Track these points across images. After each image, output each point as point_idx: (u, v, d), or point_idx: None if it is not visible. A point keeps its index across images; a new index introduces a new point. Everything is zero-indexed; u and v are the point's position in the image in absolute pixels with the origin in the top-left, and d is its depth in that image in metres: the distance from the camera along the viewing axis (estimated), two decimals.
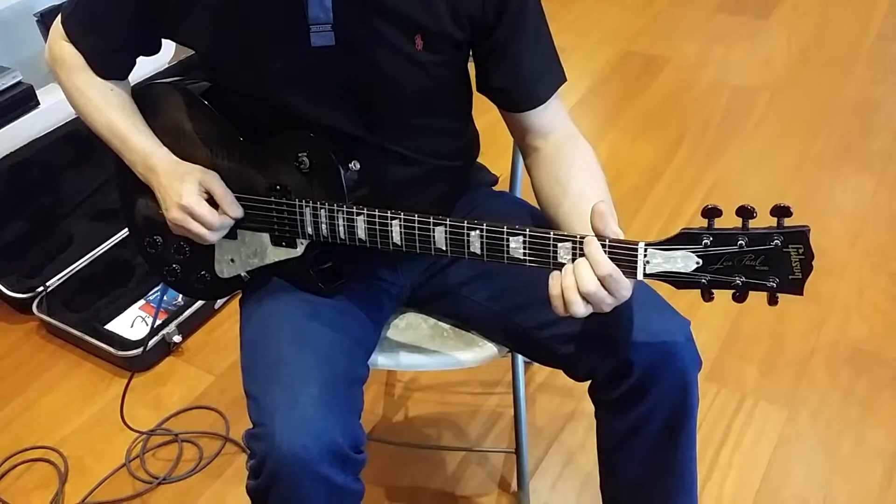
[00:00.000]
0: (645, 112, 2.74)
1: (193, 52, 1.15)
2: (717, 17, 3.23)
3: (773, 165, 2.45)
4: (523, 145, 1.20)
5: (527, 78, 1.14)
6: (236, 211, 1.14)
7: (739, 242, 0.90)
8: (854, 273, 2.05)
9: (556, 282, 0.96)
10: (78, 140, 2.14)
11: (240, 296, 1.26)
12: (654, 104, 2.78)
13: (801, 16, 3.19)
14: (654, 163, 2.49)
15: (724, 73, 2.90)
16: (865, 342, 1.87)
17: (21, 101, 2.11)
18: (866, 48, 2.96)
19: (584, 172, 1.13)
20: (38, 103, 2.14)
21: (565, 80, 1.18)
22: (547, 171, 1.15)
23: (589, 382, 1.16)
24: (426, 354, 1.26)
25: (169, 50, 2.34)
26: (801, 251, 0.89)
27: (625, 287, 0.94)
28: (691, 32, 3.15)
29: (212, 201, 1.13)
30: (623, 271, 0.93)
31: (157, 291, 2.07)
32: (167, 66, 2.28)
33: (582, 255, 0.95)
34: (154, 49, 1.19)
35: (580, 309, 0.94)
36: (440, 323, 1.31)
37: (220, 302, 2.06)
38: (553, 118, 1.17)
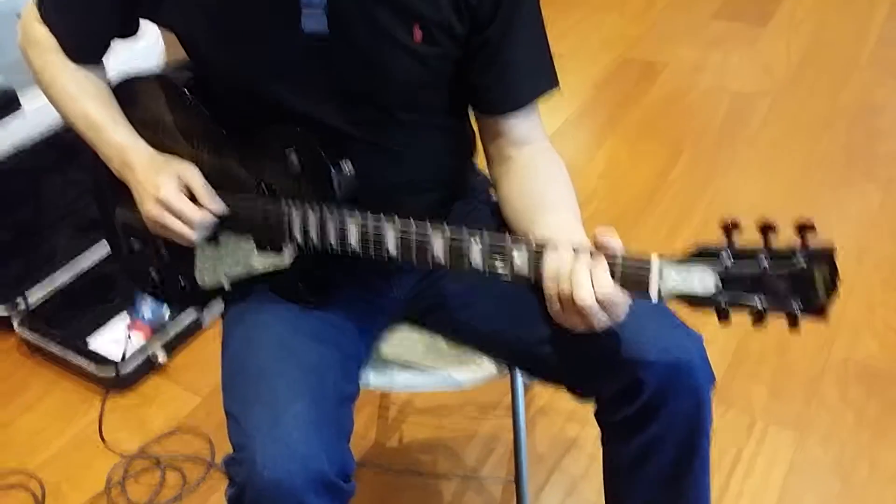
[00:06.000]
0: (644, 118, 2.70)
1: (186, 56, 1.09)
2: (714, 24, 3.21)
3: (775, 172, 2.39)
4: (494, 152, 1.14)
5: (512, 78, 1.08)
6: (218, 206, 1.07)
7: (762, 261, 0.84)
8: (863, 289, 1.99)
9: (552, 283, 0.92)
10: (62, 147, 2.06)
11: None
12: (654, 110, 2.74)
13: (800, 22, 3.17)
14: (655, 169, 2.44)
15: (722, 78, 2.87)
16: (877, 360, 1.81)
17: (2, 105, 2.03)
18: (867, 53, 2.93)
19: (557, 188, 1.09)
20: (19, 107, 2.06)
21: (557, 86, 1.12)
22: (519, 184, 1.10)
23: (594, 405, 1.10)
24: (420, 372, 1.20)
25: (157, 54, 2.29)
26: (826, 272, 0.83)
27: (623, 309, 0.90)
28: (689, 38, 3.12)
29: (192, 197, 1.06)
30: (636, 293, 0.88)
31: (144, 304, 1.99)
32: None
33: None
34: (132, 29, 1.12)
35: (574, 317, 0.90)
36: (435, 338, 1.25)
37: (208, 320, 1.99)
38: (531, 128, 1.12)
